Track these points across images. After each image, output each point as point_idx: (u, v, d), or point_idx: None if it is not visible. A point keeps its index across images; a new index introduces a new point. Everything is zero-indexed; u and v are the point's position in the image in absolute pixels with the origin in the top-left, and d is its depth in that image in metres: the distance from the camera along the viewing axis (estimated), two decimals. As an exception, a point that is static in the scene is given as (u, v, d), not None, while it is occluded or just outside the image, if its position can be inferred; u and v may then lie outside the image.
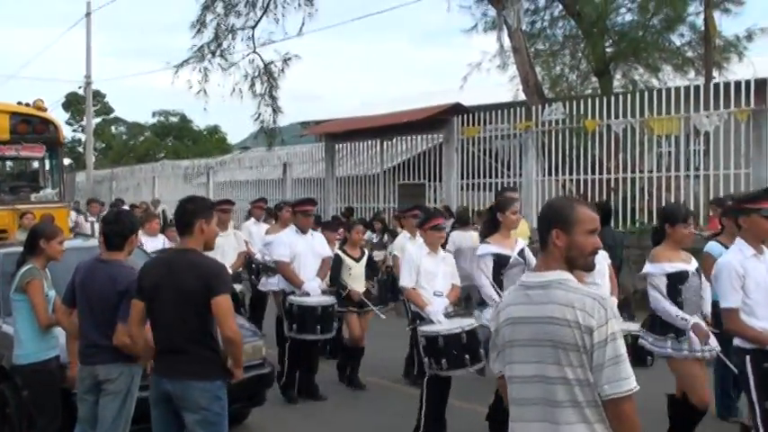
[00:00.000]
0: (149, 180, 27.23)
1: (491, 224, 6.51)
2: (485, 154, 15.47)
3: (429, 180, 16.74)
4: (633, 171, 13.15)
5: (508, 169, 15.14)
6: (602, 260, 6.53)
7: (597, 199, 13.35)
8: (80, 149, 46.19)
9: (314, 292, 7.76)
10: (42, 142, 12.30)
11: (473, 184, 15.50)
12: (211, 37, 20.25)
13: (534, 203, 14.11)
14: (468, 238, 9.20)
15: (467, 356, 6.12)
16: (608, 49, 17.05)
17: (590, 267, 2.95)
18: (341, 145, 19.39)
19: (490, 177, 15.23)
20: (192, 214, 4.39)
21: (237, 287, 9.07)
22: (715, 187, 12.14)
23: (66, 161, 14.55)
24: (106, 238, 4.98)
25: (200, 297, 4.18)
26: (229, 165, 25.18)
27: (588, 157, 13.68)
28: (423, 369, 6.57)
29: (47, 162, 12.88)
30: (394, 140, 18.29)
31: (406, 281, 6.72)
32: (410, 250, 7.11)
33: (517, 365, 2.89)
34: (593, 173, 13.52)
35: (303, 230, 8.09)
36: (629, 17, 17.38)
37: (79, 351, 4.99)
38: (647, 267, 5.52)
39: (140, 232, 9.62)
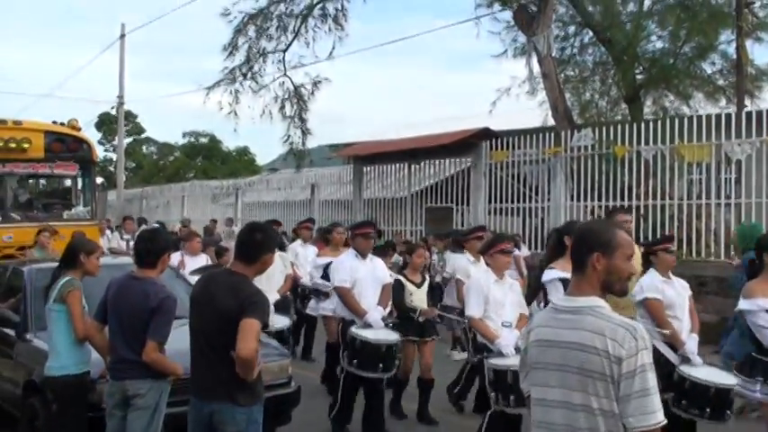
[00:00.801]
0: (178, 199, 27.49)
1: (557, 248, 6.16)
2: (513, 179, 15.45)
3: (456, 204, 16.74)
4: (663, 198, 13.05)
5: (536, 194, 15.10)
6: (684, 292, 6.38)
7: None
8: (111, 168, 46.76)
9: (376, 324, 7.22)
10: (75, 161, 12.48)
11: (501, 209, 15.47)
12: (243, 60, 20.47)
13: (562, 229, 14.04)
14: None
15: None
16: (638, 76, 17.03)
17: (625, 292, 2.93)
18: (369, 167, 19.46)
19: (518, 202, 15.20)
20: (260, 246, 4.33)
21: (284, 321, 8.48)
22: (747, 215, 12.02)
23: (99, 180, 14.57)
24: (139, 255, 5.04)
25: (235, 317, 4.12)
26: (257, 186, 25.35)
27: (618, 183, 13.61)
28: (483, 402, 6.30)
29: (79, 180, 13.06)
30: (422, 164, 18.32)
31: (473, 310, 6.46)
32: (477, 276, 6.85)
33: (541, 389, 2.88)
34: (623, 199, 13.43)
35: (363, 255, 7.64)
36: (659, 44, 17.42)
37: (109, 366, 5.04)
38: (743, 304, 5.29)
39: (181, 251, 9.75)
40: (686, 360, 6.03)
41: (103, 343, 5.11)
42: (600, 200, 13.81)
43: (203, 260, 9.77)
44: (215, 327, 4.20)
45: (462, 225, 16.15)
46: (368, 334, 7.06)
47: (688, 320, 6.31)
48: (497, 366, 6.06)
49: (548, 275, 5.96)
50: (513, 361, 5.81)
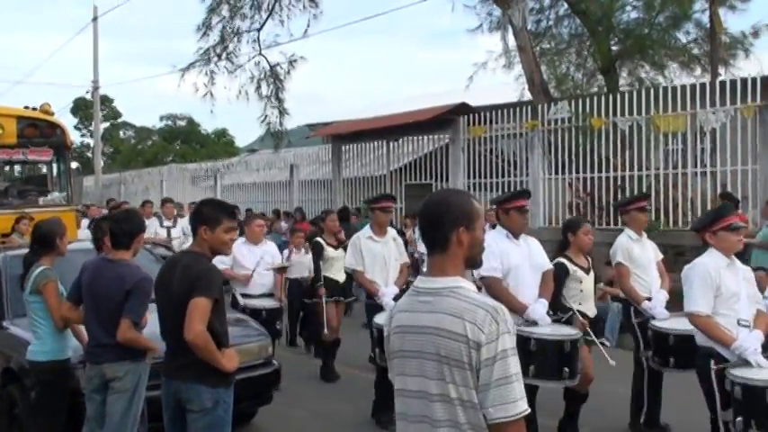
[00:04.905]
0: (157, 184, 27.29)
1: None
2: (491, 153, 15.46)
3: (436, 180, 16.74)
4: (640, 169, 13.10)
5: (515, 168, 15.12)
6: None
7: (605, 197, 13.35)
8: (89, 154, 46.35)
9: (543, 320, 5.85)
10: (49, 146, 12.34)
11: (480, 184, 15.49)
12: (217, 40, 20.29)
13: (541, 202, 14.11)
14: None
15: None
16: (613, 47, 17.01)
17: (480, 263, 2.70)
18: (347, 146, 19.41)
19: (497, 177, 15.22)
20: (193, 220, 4.42)
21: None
22: (722, 184, 12.11)
23: (74, 165, 14.31)
24: (114, 236, 5.00)
25: (185, 297, 4.13)
26: (236, 167, 25.23)
27: (595, 155, 13.64)
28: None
29: (54, 166, 12.92)
30: (400, 141, 18.29)
31: (700, 305, 4.96)
32: (705, 261, 5.14)
33: (401, 378, 2.64)
34: (600, 171, 13.48)
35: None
36: (634, 15, 17.35)
37: (86, 350, 5.03)
38: None
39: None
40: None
41: (81, 320, 5.11)
42: (578, 172, 13.85)
43: (272, 250, 8.99)
44: (173, 309, 4.21)
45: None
46: (542, 331, 5.68)
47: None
48: (756, 383, 4.55)
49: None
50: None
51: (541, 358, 5.56)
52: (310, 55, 45.70)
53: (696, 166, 12.75)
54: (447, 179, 16.27)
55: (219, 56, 20.40)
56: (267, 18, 20.13)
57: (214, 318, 4.18)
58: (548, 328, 5.73)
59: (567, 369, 5.57)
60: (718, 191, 11.88)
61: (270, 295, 8.69)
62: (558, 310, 6.19)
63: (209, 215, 4.32)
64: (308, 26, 19.96)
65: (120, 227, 5.01)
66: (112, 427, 4.83)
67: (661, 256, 6.95)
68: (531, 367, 5.48)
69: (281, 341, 9.10)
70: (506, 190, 14.96)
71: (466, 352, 2.45)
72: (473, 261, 2.66)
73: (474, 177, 15.63)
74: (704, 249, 5.38)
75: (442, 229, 2.60)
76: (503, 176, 15.12)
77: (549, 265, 6.12)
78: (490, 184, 15.32)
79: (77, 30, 73.53)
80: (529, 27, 16.47)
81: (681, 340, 5.93)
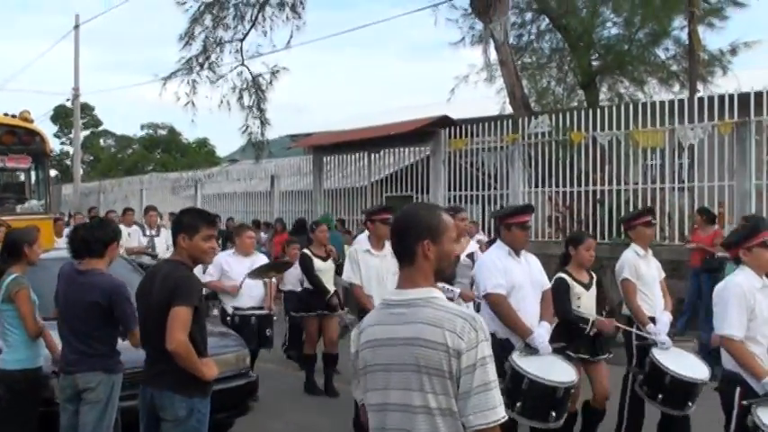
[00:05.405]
0: (137, 192, 27.13)
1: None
2: (472, 166, 15.51)
3: (416, 192, 16.77)
4: (619, 183, 13.21)
5: (495, 181, 15.18)
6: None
7: (583, 211, 13.44)
8: (68, 162, 46.03)
9: (544, 348, 5.65)
10: (28, 153, 12.26)
11: (460, 197, 15.52)
12: (200, 49, 20.27)
13: (521, 215, 14.16)
14: None
15: None
16: (594, 63, 17.20)
17: (453, 276, 2.80)
18: (329, 157, 19.41)
19: (477, 190, 15.27)
20: (173, 229, 4.45)
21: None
22: (699, 199, 12.24)
23: (53, 173, 14.16)
24: (86, 243, 4.96)
25: (166, 306, 4.13)
26: (217, 177, 25.15)
27: (574, 169, 13.73)
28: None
29: (33, 173, 12.82)
30: (381, 153, 18.31)
31: (734, 329, 4.59)
32: (739, 281, 4.71)
33: (381, 392, 2.60)
34: (580, 185, 13.56)
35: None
36: (614, 31, 17.57)
37: (60, 360, 4.99)
38: None
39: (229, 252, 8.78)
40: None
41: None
42: (557, 186, 13.93)
43: (262, 263, 8.52)
44: (153, 317, 4.21)
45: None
46: (537, 370, 5.38)
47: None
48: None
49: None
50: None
51: (531, 398, 5.35)
52: (293, 66, 45.80)
53: (674, 182, 12.86)
54: (428, 191, 16.31)
55: (202, 65, 20.40)
56: (250, 29, 20.15)
57: (194, 326, 4.17)
58: (542, 367, 5.42)
59: (554, 413, 5.37)
60: (696, 205, 12.01)
61: (260, 308, 8.37)
62: (574, 322, 6.06)
63: (188, 223, 4.31)
64: (291, 37, 20.00)
65: (93, 234, 4.97)
66: (86, 437, 4.79)
67: (664, 275, 6.75)
68: (518, 403, 5.32)
69: (270, 350, 8.78)
70: (487, 203, 15.04)
71: (446, 360, 2.48)
72: (442, 274, 2.69)
73: (455, 190, 15.67)
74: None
75: (407, 242, 2.64)
76: (483, 189, 15.18)
77: (548, 284, 5.96)
78: (471, 196, 15.36)
79: (59, 37, 73.23)
80: (510, 41, 16.57)
81: (677, 383, 5.86)
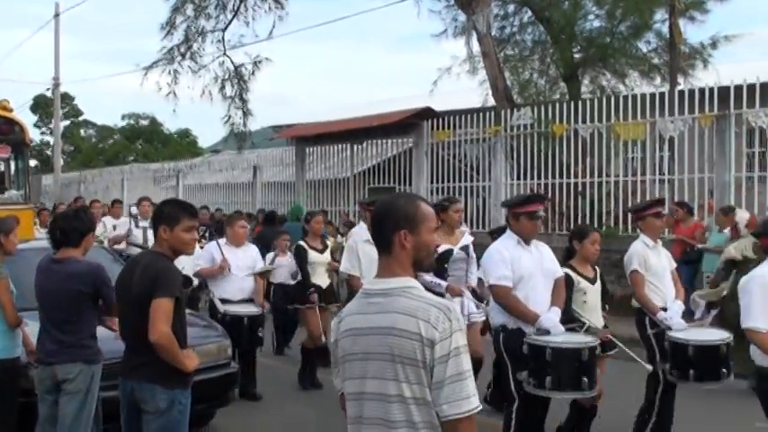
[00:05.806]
0: (118, 183, 26.97)
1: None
2: (454, 158, 15.56)
3: (399, 184, 16.79)
4: (600, 175, 13.29)
5: (477, 173, 15.23)
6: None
7: (565, 203, 13.51)
8: (48, 152, 45.63)
9: (555, 328, 5.57)
10: (7, 143, 12.19)
11: (443, 188, 15.56)
12: (181, 39, 20.19)
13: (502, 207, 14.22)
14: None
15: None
16: (576, 55, 17.25)
17: (433, 267, 2.76)
18: (311, 148, 19.38)
19: (460, 181, 15.31)
20: (153, 220, 4.44)
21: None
22: (680, 191, 12.34)
23: (33, 163, 14.04)
24: (64, 233, 4.94)
25: (147, 298, 4.10)
26: (199, 168, 25.04)
27: (556, 161, 13.80)
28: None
29: (12, 163, 12.74)
30: (364, 144, 18.31)
31: (759, 321, 4.59)
32: (764, 272, 4.65)
33: (359, 381, 2.61)
34: (561, 177, 13.63)
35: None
36: (596, 23, 17.62)
37: (38, 351, 4.96)
38: None
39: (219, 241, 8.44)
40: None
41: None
42: (539, 178, 13.99)
43: (254, 253, 8.30)
44: (132, 308, 4.20)
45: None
46: (558, 339, 5.35)
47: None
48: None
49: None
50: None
51: (558, 368, 5.20)
52: (276, 57, 45.60)
53: (655, 174, 12.95)
54: (410, 183, 16.33)
55: (183, 55, 20.30)
56: (232, 18, 20.08)
57: (174, 317, 4.15)
58: (561, 337, 5.36)
59: (585, 379, 5.19)
60: (676, 197, 12.11)
61: (250, 300, 8.05)
62: (570, 321, 5.83)
63: (169, 214, 4.29)
64: (274, 27, 19.96)
65: (70, 224, 4.95)
66: (65, 428, 4.77)
67: (674, 265, 6.60)
68: (547, 379, 5.17)
69: (262, 349, 8.43)
70: (469, 194, 15.08)
71: (420, 350, 2.48)
72: (421, 264, 2.68)
73: (437, 182, 15.71)
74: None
75: (385, 231, 2.65)
76: (466, 181, 15.23)
77: (560, 272, 5.82)
78: (453, 188, 15.40)
79: (39, 26, 72.48)
80: (493, 33, 16.60)
81: (701, 351, 5.71)
